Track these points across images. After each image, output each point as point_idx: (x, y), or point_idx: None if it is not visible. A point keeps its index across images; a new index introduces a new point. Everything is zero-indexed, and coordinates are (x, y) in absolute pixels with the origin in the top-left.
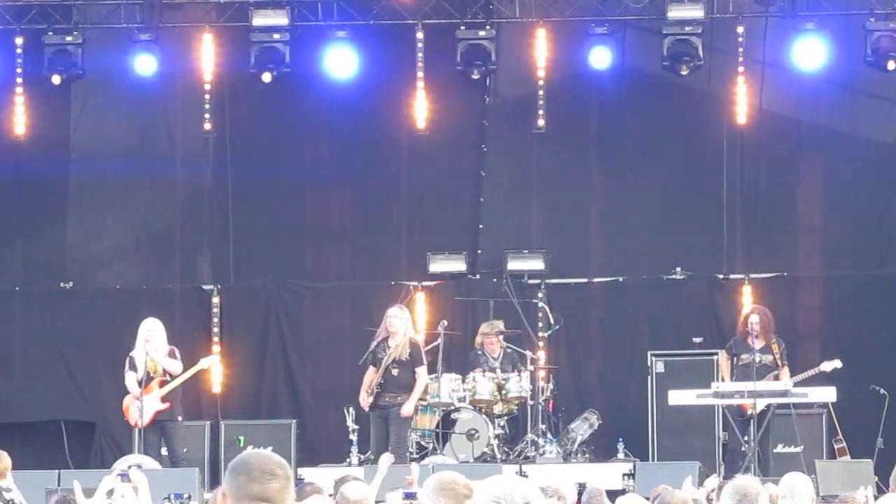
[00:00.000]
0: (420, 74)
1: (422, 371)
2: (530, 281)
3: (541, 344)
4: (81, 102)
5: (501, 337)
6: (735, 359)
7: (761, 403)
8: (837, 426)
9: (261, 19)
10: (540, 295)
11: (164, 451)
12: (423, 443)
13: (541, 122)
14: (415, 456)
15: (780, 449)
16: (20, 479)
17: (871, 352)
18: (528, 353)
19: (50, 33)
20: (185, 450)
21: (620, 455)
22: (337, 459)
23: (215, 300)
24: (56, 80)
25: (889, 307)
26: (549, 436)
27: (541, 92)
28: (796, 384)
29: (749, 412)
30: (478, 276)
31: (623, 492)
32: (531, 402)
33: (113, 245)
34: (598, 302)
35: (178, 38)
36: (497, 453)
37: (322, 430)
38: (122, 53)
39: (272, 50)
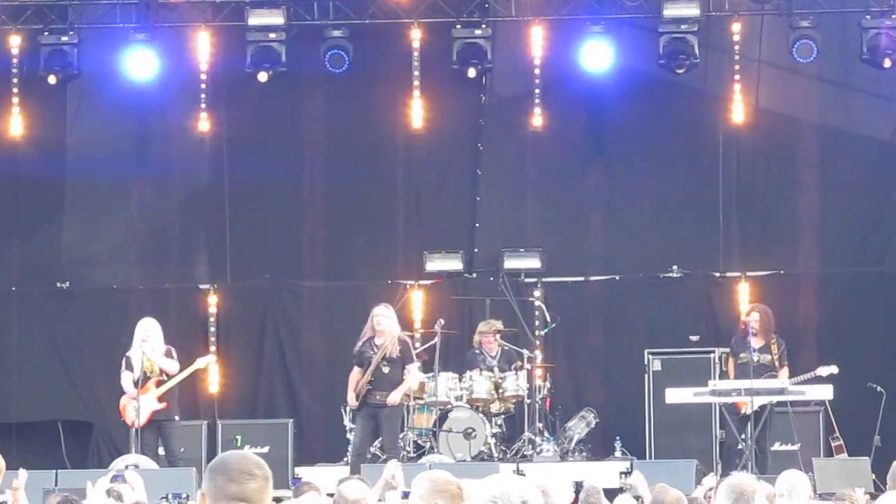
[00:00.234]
0: (416, 73)
1: (413, 367)
2: (527, 279)
3: (537, 342)
4: (77, 102)
5: (499, 336)
6: (735, 358)
7: (758, 402)
8: (834, 424)
9: (257, 19)
10: (536, 293)
11: (161, 451)
12: (420, 442)
13: (537, 121)
14: (412, 455)
15: (777, 447)
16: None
17: (868, 350)
18: (525, 352)
19: (46, 33)
20: (182, 449)
21: (617, 453)
22: (334, 459)
23: (212, 300)
24: (52, 79)
25: (886, 305)
26: (546, 434)
27: (537, 90)
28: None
29: (743, 410)
30: (474, 275)
31: (621, 490)
32: (528, 401)
33: (109, 245)
34: (595, 300)
35: (173, 38)
36: (494, 452)
37: (319, 430)
38: (118, 53)
39: (268, 49)
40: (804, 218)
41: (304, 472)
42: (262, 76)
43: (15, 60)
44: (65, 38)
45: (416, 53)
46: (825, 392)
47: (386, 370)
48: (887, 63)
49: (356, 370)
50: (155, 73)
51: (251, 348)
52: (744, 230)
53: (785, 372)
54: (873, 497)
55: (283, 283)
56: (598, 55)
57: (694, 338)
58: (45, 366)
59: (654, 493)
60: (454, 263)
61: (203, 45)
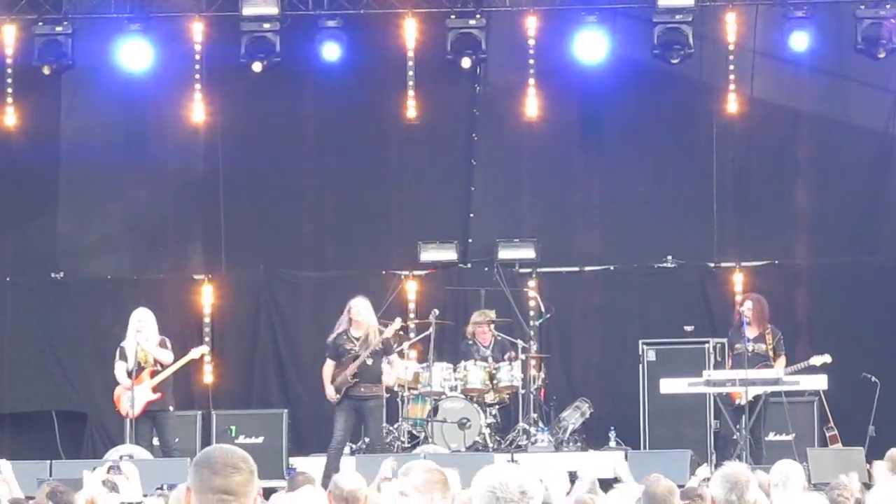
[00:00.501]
0: (410, 63)
1: (394, 358)
2: (521, 270)
3: (532, 333)
4: (72, 93)
5: (493, 326)
6: (731, 349)
7: (753, 392)
8: (829, 414)
9: (251, 9)
10: (531, 284)
11: (155, 442)
12: (414, 432)
13: (531, 111)
14: (406, 445)
15: (771, 437)
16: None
17: (863, 340)
18: (519, 342)
19: (40, 23)
20: (176, 440)
21: (612, 443)
22: (328, 449)
23: (206, 290)
24: (46, 70)
25: (880, 295)
26: (540, 424)
27: (531, 80)
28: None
29: (737, 401)
30: (469, 265)
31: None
32: (522, 391)
33: (104, 235)
34: (590, 290)
35: (168, 28)
36: (489, 442)
37: (313, 420)
38: (113, 44)
39: (262, 39)
40: (799, 208)
41: (298, 463)
42: (257, 66)
43: (9, 51)
44: (59, 29)
45: (410, 44)
46: (820, 382)
47: (370, 362)
48: (882, 53)
49: (329, 363)
50: (149, 63)
51: (246, 338)
52: (738, 220)
53: (781, 361)
54: (867, 486)
55: (277, 273)
56: (592, 45)
57: (688, 328)
58: (39, 356)
59: (646, 483)
60: (449, 254)
61: (197, 36)
